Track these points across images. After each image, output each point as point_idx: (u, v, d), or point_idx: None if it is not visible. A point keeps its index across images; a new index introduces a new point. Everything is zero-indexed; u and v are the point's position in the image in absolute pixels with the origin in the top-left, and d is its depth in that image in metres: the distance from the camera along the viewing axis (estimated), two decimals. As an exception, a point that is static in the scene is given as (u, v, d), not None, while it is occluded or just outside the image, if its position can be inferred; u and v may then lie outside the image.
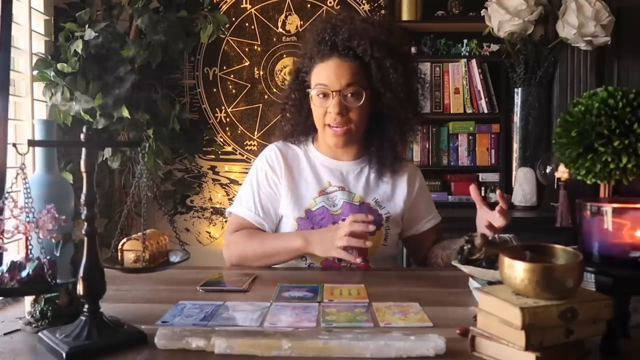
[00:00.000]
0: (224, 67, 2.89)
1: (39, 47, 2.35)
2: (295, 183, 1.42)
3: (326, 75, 1.33)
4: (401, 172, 1.45)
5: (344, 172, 1.43)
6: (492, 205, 1.18)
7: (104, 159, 2.39)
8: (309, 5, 2.86)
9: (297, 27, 2.86)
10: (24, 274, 0.79)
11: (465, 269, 0.97)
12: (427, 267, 1.43)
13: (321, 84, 1.33)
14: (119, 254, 0.91)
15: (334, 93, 1.31)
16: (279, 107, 1.52)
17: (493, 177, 2.79)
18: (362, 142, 1.43)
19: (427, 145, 2.81)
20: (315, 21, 1.46)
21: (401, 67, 1.33)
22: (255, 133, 2.91)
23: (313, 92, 1.35)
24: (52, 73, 2.22)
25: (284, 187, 1.41)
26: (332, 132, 1.35)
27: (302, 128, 1.45)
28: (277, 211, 1.43)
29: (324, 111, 1.34)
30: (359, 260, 1.22)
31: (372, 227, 1.20)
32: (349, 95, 1.32)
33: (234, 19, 2.86)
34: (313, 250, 1.28)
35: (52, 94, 2.26)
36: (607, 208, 0.74)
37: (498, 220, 1.14)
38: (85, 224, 0.78)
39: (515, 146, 2.72)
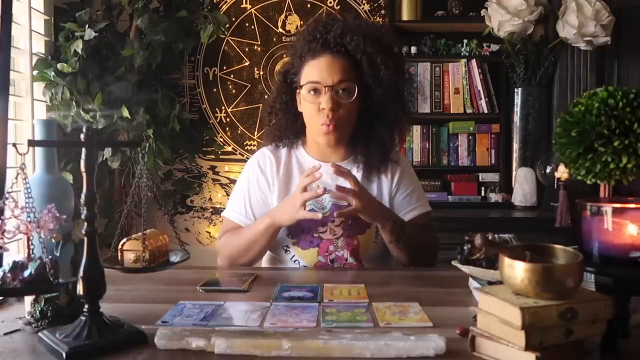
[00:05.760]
0: (224, 67, 2.89)
1: (39, 47, 2.35)
2: (286, 188, 1.42)
3: (318, 71, 1.33)
4: (386, 168, 1.44)
5: (333, 175, 1.42)
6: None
7: (104, 159, 2.39)
8: (309, 5, 2.86)
9: (297, 27, 2.86)
10: (26, 273, 0.79)
11: (465, 269, 0.97)
12: (427, 267, 1.43)
13: (313, 80, 1.33)
14: (119, 254, 0.91)
15: (326, 89, 1.31)
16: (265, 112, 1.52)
17: (493, 177, 2.79)
18: (351, 142, 1.43)
19: (427, 145, 2.80)
20: (309, 22, 1.46)
21: (392, 65, 1.33)
22: (255, 133, 2.91)
23: (304, 89, 1.35)
24: (52, 73, 2.22)
25: (275, 191, 1.42)
26: (324, 132, 1.34)
27: (290, 131, 1.45)
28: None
29: (316, 107, 1.33)
30: (319, 216, 1.27)
31: (318, 174, 1.25)
32: (341, 91, 1.32)
33: (234, 19, 2.86)
34: (280, 222, 1.31)
35: (52, 94, 2.26)
36: (607, 208, 0.74)
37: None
38: (85, 224, 0.78)
39: (515, 146, 2.72)
